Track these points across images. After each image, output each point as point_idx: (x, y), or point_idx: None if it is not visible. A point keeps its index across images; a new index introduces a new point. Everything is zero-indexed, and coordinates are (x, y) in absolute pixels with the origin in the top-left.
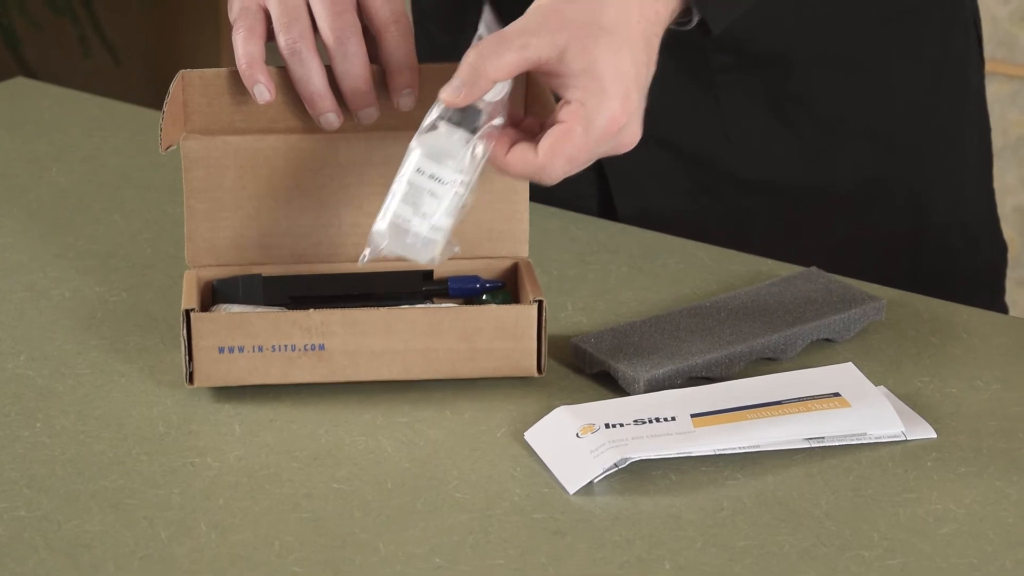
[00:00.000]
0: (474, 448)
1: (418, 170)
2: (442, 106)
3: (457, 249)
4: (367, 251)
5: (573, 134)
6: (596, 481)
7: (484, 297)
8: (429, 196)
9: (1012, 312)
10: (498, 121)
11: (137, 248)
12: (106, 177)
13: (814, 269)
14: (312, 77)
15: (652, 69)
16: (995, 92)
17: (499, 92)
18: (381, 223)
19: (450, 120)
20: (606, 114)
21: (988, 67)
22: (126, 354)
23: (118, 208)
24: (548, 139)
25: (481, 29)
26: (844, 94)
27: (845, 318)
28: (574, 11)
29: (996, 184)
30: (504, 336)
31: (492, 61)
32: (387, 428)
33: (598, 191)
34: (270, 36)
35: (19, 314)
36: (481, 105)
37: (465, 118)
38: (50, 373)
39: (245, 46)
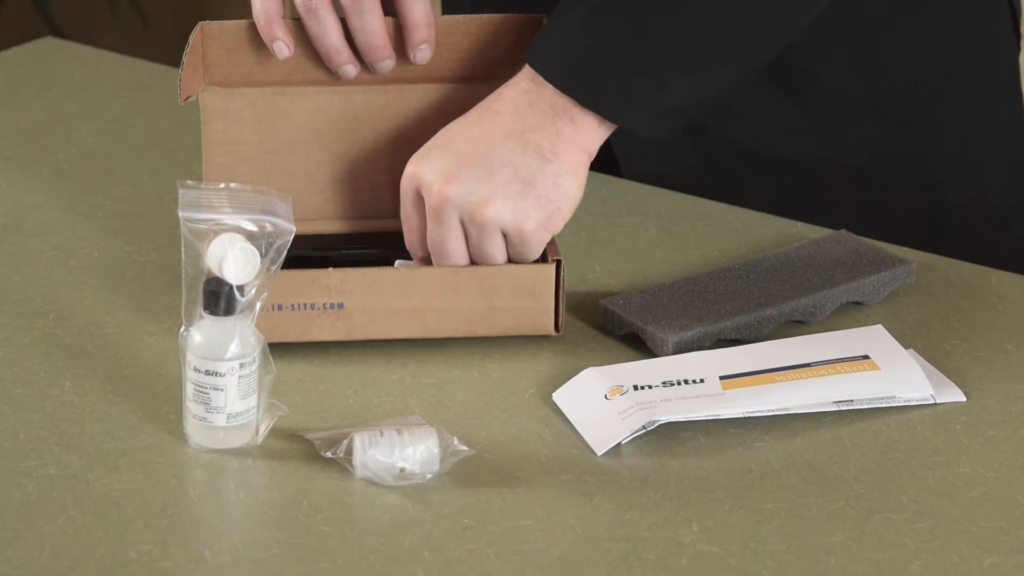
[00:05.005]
0: (502, 409)
1: (195, 369)
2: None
3: (282, 413)
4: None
5: None
6: (624, 443)
7: None
8: (213, 391)
9: None
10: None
11: (165, 208)
12: (134, 137)
13: (844, 232)
14: (328, 33)
15: (504, 158)
16: None
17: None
18: (186, 425)
19: (209, 311)
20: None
21: None
22: (155, 314)
23: (146, 168)
24: None
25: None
26: (851, 68)
27: (875, 281)
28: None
29: None
30: (522, 295)
31: None
32: (415, 389)
33: (605, 162)
34: None
35: (48, 273)
36: (240, 287)
37: (225, 304)
38: (79, 332)
39: (263, 3)
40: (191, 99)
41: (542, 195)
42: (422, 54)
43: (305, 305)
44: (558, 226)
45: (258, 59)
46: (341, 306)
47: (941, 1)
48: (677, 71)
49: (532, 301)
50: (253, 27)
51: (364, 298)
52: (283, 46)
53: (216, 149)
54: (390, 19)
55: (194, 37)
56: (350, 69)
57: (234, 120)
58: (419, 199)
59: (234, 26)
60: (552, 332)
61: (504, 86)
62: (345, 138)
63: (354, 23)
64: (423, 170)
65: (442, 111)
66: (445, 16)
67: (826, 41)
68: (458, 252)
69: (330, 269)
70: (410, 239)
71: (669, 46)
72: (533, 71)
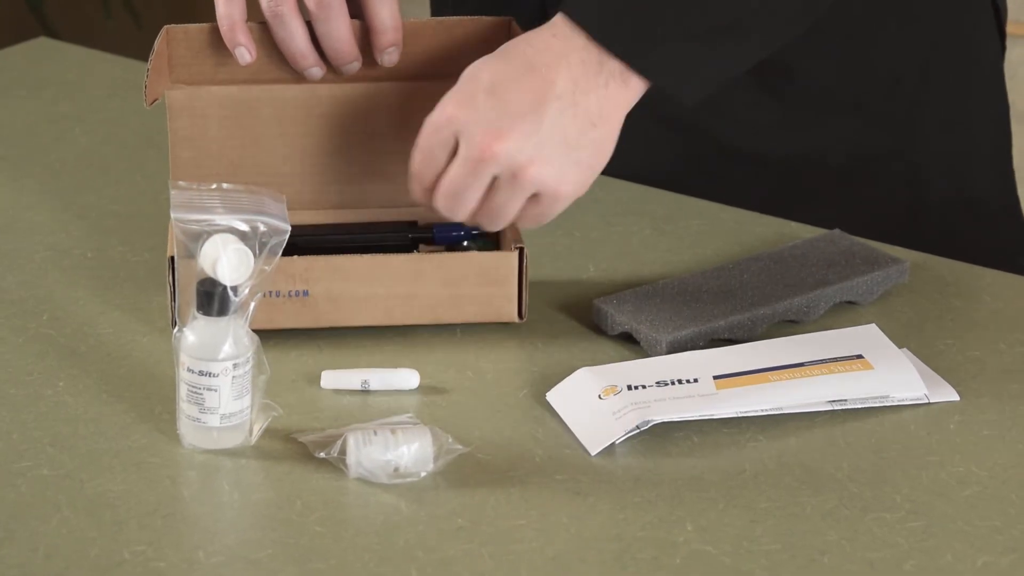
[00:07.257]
0: (496, 409)
1: (188, 370)
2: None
3: (276, 413)
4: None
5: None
6: (618, 443)
7: (465, 244)
8: (207, 391)
9: None
10: None
11: (159, 208)
12: (128, 138)
13: (837, 232)
14: (294, 38)
15: (553, 118)
16: (1020, 56)
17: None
18: (179, 426)
19: (203, 311)
20: (437, 111)
21: (1012, 29)
22: (148, 314)
23: (140, 169)
24: None
25: None
26: (831, 64)
27: (868, 280)
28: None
29: (1018, 157)
30: (486, 282)
31: None
32: (409, 389)
33: None
34: None
35: (42, 274)
36: (234, 287)
37: (218, 304)
38: (72, 333)
39: (226, 7)
40: (157, 101)
41: (583, 160)
42: (389, 57)
43: (270, 292)
44: (586, 188)
45: (223, 60)
46: (306, 293)
47: None
48: (727, 37)
49: (496, 288)
50: (218, 30)
51: (328, 285)
52: (245, 52)
53: (182, 145)
54: (356, 21)
55: (159, 42)
56: (316, 71)
57: (200, 116)
58: (451, 141)
59: (198, 29)
60: (516, 319)
61: (546, 34)
62: (311, 132)
63: (320, 29)
64: (470, 118)
65: (409, 107)
66: (412, 19)
67: (806, 37)
68: (474, 205)
69: (295, 256)
70: (423, 179)
71: (722, 12)
72: (578, 28)
